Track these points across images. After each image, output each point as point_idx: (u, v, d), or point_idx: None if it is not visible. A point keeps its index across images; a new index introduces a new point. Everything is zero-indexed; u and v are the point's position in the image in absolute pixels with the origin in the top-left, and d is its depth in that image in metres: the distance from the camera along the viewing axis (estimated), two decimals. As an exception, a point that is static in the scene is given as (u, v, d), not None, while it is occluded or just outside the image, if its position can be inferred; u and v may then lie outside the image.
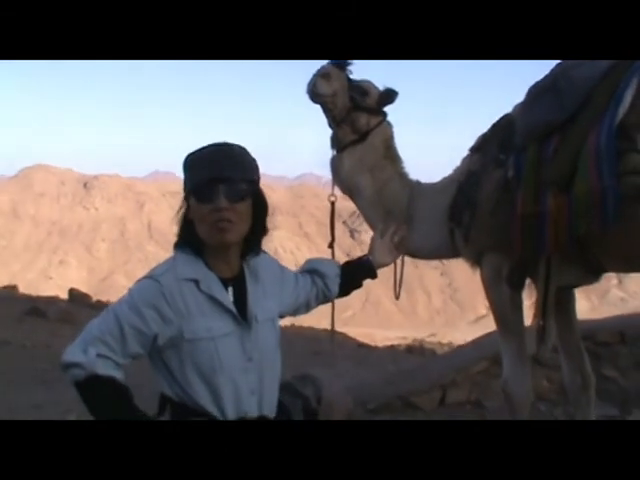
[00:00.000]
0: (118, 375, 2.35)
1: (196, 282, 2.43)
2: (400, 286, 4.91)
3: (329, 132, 4.90)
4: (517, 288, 4.19)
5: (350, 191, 4.90)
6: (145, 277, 2.45)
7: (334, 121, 4.81)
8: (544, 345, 4.15)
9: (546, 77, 4.09)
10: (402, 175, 4.86)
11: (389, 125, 4.87)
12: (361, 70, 4.73)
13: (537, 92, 4.07)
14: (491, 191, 4.10)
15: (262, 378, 2.51)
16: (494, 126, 4.36)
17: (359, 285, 3.21)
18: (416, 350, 17.74)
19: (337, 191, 4.87)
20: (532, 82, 4.16)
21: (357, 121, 4.75)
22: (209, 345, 2.40)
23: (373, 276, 3.22)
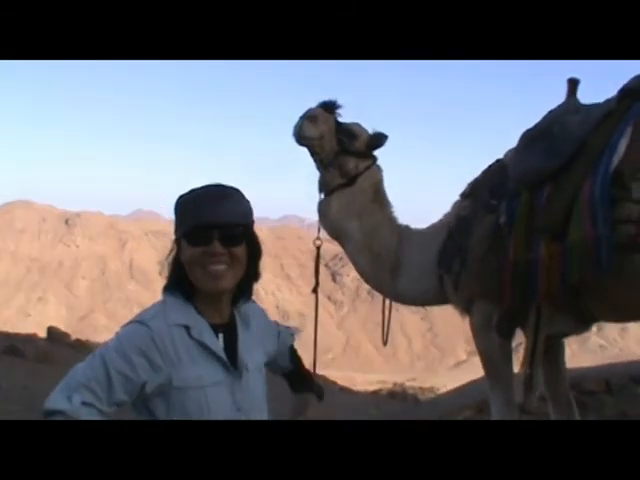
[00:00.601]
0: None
1: (187, 328, 2.33)
2: (387, 332, 4.87)
3: (316, 174, 4.87)
4: (506, 336, 4.14)
5: (338, 235, 4.84)
6: (134, 321, 2.34)
7: (321, 164, 4.78)
8: (532, 394, 4.10)
9: (539, 123, 4.09)
10: (391, 220, 4.82)
11: (378, 169, 4.84)
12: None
13: (531, 138, 4.06)
14: (482, 237, 4.07)
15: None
16: (485, 172, 4.35)
17: (300, 389, 2.87)
18: (398, 395, 17.66)
19: (322, 234, 4.83)
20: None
21: (345, 165, 4.71)
22: (199, 394, 2.30)
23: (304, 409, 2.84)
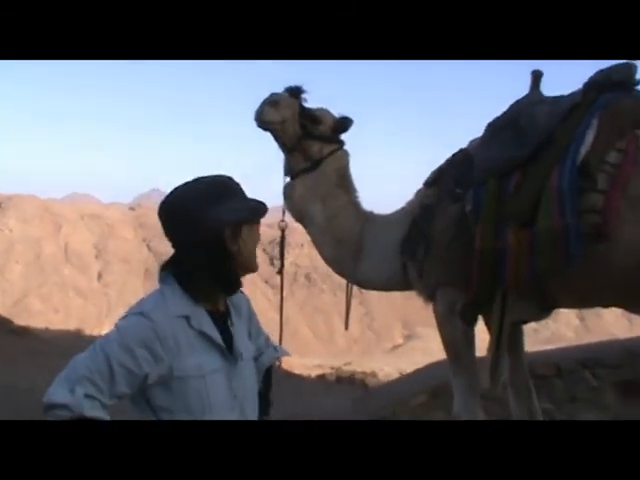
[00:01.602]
0: (104, 417, 2.22)
1: (187, 318, 2.34)
2: (348, 316, 4.93)
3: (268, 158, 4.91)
4: (470, 323, 4.21)
5: (301, 218, 4.88)
6: (134, 313, 2.33)
7: (285, 148, 4.79)
8: (496, 380, 4.18)
9: (506, 113, 4.15)
10: (355, 204, 4.85)
11: (345, 154, 4.86)
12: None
13: (497, 128, 4.12)
14: (447, 225, 4.12)
15: (244, 415, 2.44)
16: (450, 160, 4.39)
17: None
18: (345, 380, 17.74)
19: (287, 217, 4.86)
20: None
21: (309, 149, 4.74)
22: (199, 382, 2.32)
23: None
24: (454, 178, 4.20)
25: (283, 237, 4.82)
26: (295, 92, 4.76)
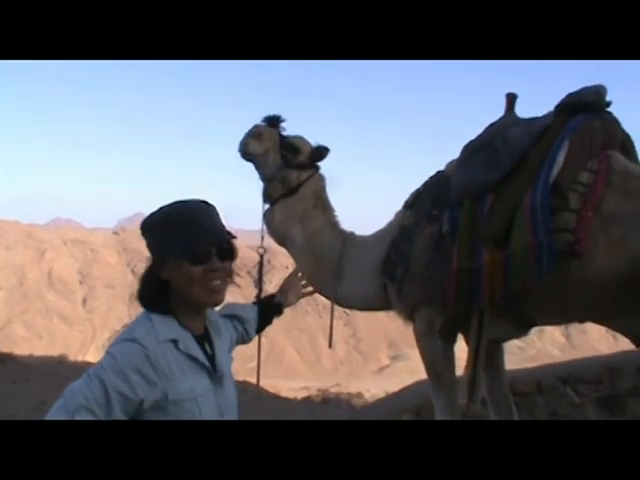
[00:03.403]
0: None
1: (175, 342, 2.39)
2: (332, 335, 5.02)
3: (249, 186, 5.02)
4: (449, 341, 4.28)
5: (283, 241, 5.01)
6: (125, 339, 2.36)
7: (265, 177, 4.92)
8: (475, 397, 4.24)
9: (481, 136, 4.24)
10: (333, 224, 4.97)
11: (320, 177, 4.99)
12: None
13: (473, 150, 4.21)
14: (424, 246, 4.20)
15: None
16: (427, 182, 4.49)
17: (270, 322, 3.35)
18: (331, 401, 17.77)
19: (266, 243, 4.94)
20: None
21: (287, 178, 4.88)
22: (192, 405, 2.37)
23: (280, 313, 3.41)
24: (431, 199, 4.30)
25: (262, 262, 4.93)
26: (274, 122, 4.90)
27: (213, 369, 2.49)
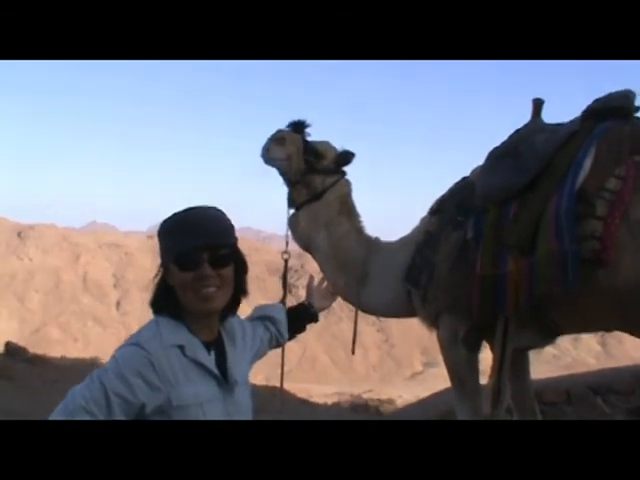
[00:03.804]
0: None
1: (181, 348, 2.38)
2: (355, 340, 4.99)
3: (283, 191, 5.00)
4: (473, 349, 4.24)
5: (307, 247, 5.01)
6: (130, 344, 2.37)
7: (289, 182, 4.92)
8: (499, 406, 4.19)
9: (506, 142, 4.20)
10: (358, 230, 4.95)
11: (346, 183, 4.98)
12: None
13: (498, 156, 4.17)
14: (449, 252, 4.16)
15: None
16: (452, 189, 4.45)
17: (304, 329, 3.28)
18: (360, 408, 17.73)
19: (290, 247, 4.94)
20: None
21: (312, 183, 4.88)
22: (197, 411, 2.36)
23: (316, 320, 3.33)
24: (456, 206, 4.26)
25: (286, 267, 4.92)
26: (299, 127, 4.90)
27: (223, 376, 2.47)
